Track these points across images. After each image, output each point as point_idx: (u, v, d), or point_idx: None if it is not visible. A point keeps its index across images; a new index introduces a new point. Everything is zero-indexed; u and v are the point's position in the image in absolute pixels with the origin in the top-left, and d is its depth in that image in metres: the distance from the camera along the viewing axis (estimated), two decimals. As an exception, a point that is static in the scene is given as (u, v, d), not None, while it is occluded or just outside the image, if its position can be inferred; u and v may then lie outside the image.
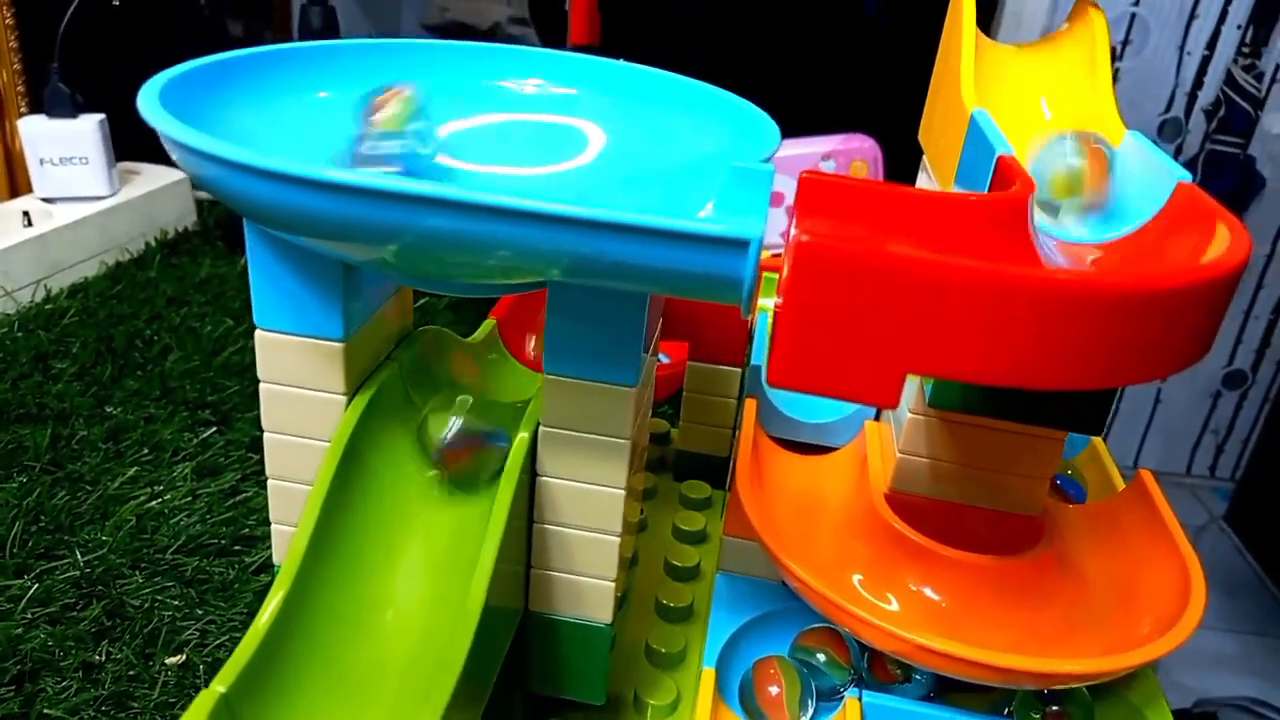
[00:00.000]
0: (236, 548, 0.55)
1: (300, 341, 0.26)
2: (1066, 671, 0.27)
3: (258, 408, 0.68)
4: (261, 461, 0.61)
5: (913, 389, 0.33)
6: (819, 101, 0.91)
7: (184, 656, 0.48)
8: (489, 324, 0.38)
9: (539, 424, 0.27)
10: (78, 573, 0.51)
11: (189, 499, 0.57)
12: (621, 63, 0.30)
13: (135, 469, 0.59)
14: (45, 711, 0.43)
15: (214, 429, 0.63)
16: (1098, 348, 0.19)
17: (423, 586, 0.26)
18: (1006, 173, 0.25)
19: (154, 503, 0.57)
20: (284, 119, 0.27)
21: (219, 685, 0.21)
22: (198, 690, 0.46)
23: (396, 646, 0.25)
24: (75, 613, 0.49)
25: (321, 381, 0.27)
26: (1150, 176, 0.26)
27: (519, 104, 0.30)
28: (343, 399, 0.27)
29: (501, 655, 0.28)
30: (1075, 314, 0.18)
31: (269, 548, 0.54)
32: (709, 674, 0.32)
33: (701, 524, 0.43)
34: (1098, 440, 0.42)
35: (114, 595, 0.50)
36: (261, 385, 0.27)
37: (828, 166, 0.88)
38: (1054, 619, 0.31)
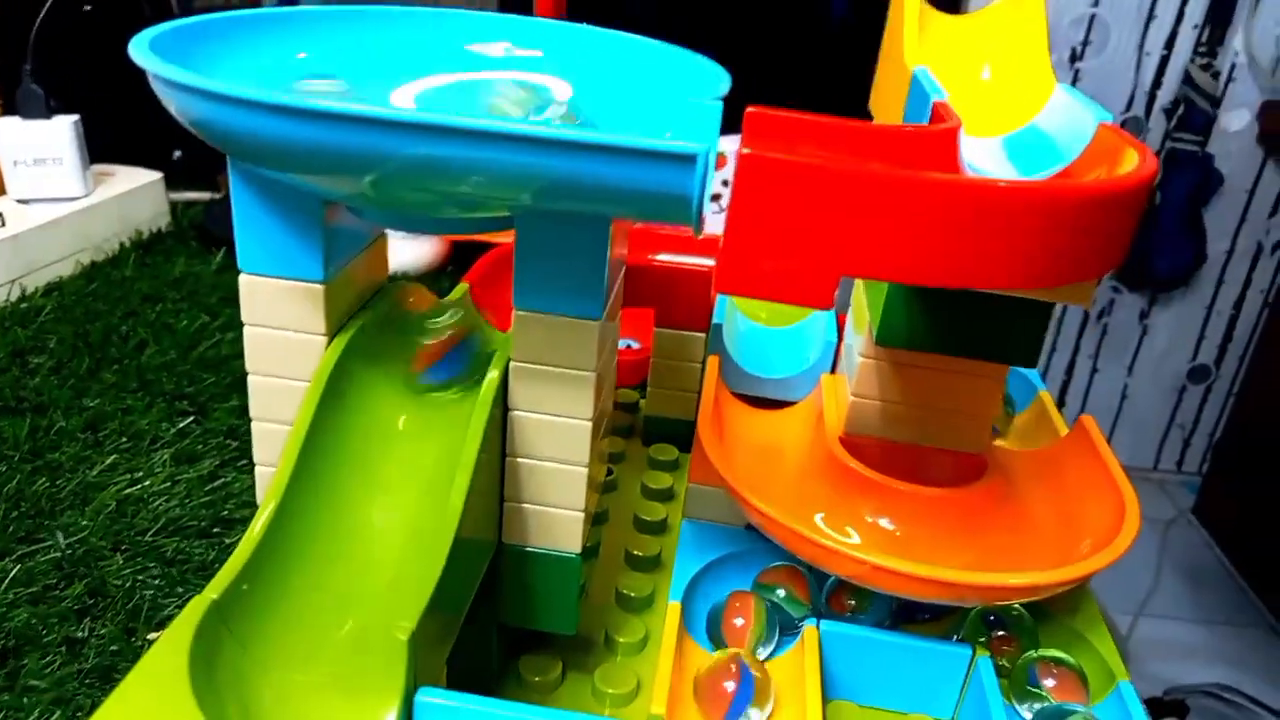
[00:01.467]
0: (216, 529, 0.56)
1: (283, 284, 0.28)
2: (1013, 585, 0.29)
3: (234, 398, 0.69)
4: (240, 448, 0.62)
5: (866, 332, 0.35)
6: (763, 96, 0.93)
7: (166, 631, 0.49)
8: (462, 287, 0.40)
9: (509, 360, 0.29)
10: (59, 554, 0.52)
11: (168, 484, 0.58)
12: (583, 26, 0.32)
13: (114, 457, 0.60)
14: (30, 683, 0.44)
15: (191, 419, 0.64)
16: (1006, 249, 0.21)
17: (400, 518, 0.28)
18: (941, 114, 0.27)
19: (133, 488, 0.57)
20: (264, 77, 0.29)
21: (210, 593, 0.23)
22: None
23: (375, 572, 0.26)
24: (57, 592, 0.50)
25: (303, 322, 0.28)
26: (1076, 122, 0.28)
27: (488, 65, 0.32)
28: (323, 340, 0.29)
29: (473, 586, 0.29)
30: (988, 216, 0.20)
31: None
32: (674, 607, 0.33)
33: (669, 482, 0.44)
34: (1044, 394, 0.44)
35: (95, 575, 0.51)
36: (245, 329, 0.29)
37: (790, 160, 0.89)
38: (1000, 543, 0.33)
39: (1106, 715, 0.32)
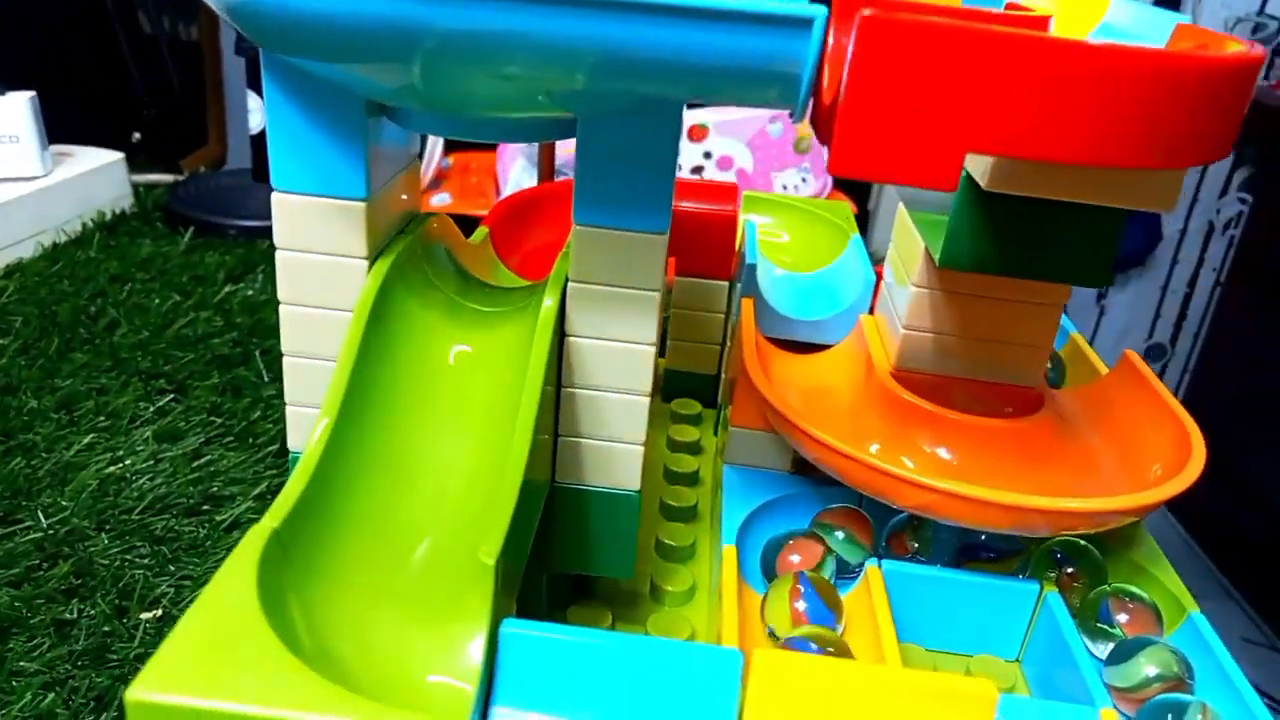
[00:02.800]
0: (205, 507, 0.53)
1: (321, 202, 0.26)
2: (1096, 509, 0.28)
3: (214, 376, 0.66)
4: (225, 425, 0.59)
5: (919, 261, 0.34)
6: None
7: (160, 611, 0.46)
8: (482, 231, 0.38)
9: (566, 282, 0.27)
10: (40, 535, 0.49)
11: (151, 462, 0.56)
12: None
13: (91, 436, 0.57)
14: (20, 665, 0.41)
15: (170, 397, 0.62)
16: (1154, 122, 0.19)
17: (460, 452, 0.26)
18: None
19: (114, 467, 0.55)
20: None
21: (270, 521, 0.21)
22: (179, 640, 0.45)
23: (440, 504, 0.24)
24: (41, 573, 0.47)
25: (342, 245, 0.26)
26: (1149, 22, 0.27)
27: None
28: (363, 265, 0.27)
29: (533, 531, 0.27)
30: (1137, 86, 0.19)
31: (239, 506, 0.53)
32: (730, 550, 0.32)
33: (696, 435, 0.43)
34: (1076, 335, 0.43)
35: (81, 555, 0.48)
36: (278, 254, 0.27)
37: (775, 128, 0.89)
38: (1063, 473, 0.32)
39: (1181, 646, 0.30)
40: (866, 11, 0.19)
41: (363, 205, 0.26)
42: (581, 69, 0.21)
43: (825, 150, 0.22)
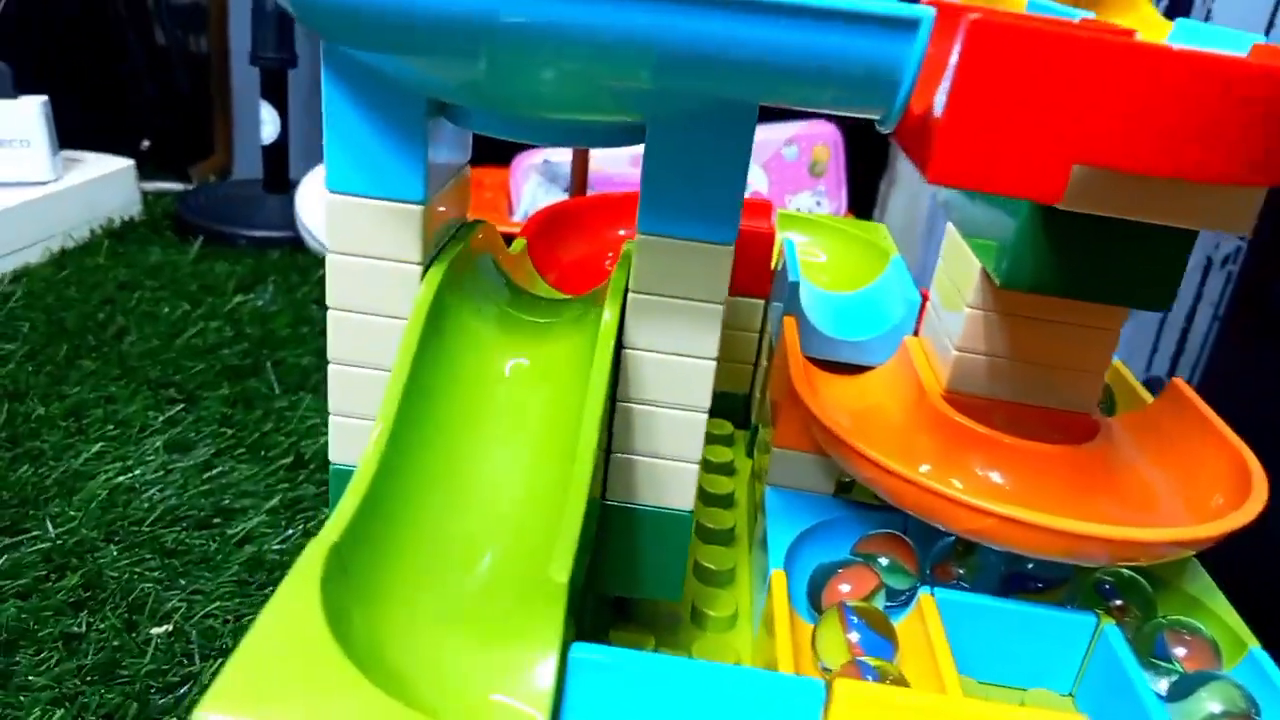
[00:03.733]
0: (216, 520, 0.52)
1: (376, 205, 0.25)
2: (1159, 540, 0.27)
3: (224, 387, 0.65)
4: (236, 437, 0.58)
5: (973, 282, 0.33)
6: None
7: (171, 626, 0.45)
8: (520, 243, 0.37)
9: (626, 293, 0.26)
10: (48, 545, 0.48)
11: (161, 473, 0.54)
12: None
13: (100, 445, 0.56)
14: (29, 679, 0.40)
15: (180, 407, 0.60)
16: (1266, 137, 0.19)
17: (515, 469, 0.25)
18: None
19: (123, 477, 0.53)
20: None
21: (330, 534, 0.20)
22: (191, 658, 0.44)
23: (494, 527, 0.23)
24: (49, 584, 0.45)
25: (396, 249, 0.25)
26: (1224, 42, 0.27)
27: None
28: (417, 270, 0.26)
29: (589, 551, 0.26)
30: (1255, 100, 0.18)
31: (251, 519, 0.52)
32: (779, 575, 0.31)
33: (729, 456, 0.42)
34: (1119, 363, 0.42)
35: (90, 567, 0.47)
36: (329, 257, 0.26)
37: (790, 151, 0.89)
38: (1120, 502, 0.31)
39: (1243, 682, 0.30)
40: (974, 15, 0.18)
41: (419, 209, 0.25)
42: (660, 65, 0.20)
43: (909, 159, 0.21)
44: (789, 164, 0.89)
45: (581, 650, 0.20)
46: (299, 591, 0.18)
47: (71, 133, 0.82)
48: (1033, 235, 0.29)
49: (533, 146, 0.86)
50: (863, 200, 0.95)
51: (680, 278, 0.25)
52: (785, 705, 0.19)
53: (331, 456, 0.28)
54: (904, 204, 1.31)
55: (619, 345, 0.27)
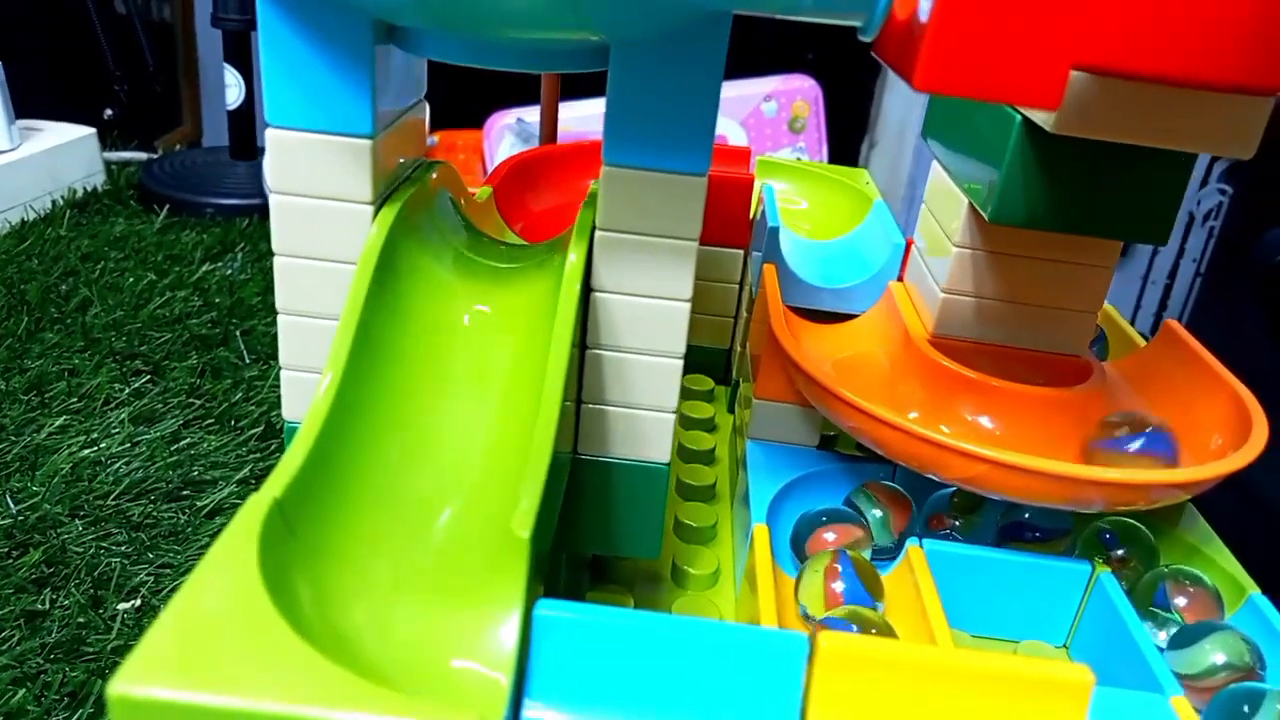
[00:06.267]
0: (185, 492, 0.50)
1: (321, 139, 0.23)
2: (1159, 482, 0.26)
3: (192, 357, 0.63)
4: (205, 408, 0.56)
5: (961, 221, 0.31)
6: (759, 43, 0.90)
7: (139, 600, 0.44)
8: (486, 190, 0.35)
9: (593, 232, 0.24)
10: (9, 521, 0.46)
11: (127, 446, 0.53)
12: None
13: (64, 418, 0.54)
14: (-13, 659, 0.39)
15: (147, 378, 0.59)
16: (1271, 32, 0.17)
17: (476, 422, 0.23)
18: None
19: (88, 451, 0.52)
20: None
21: (271, 490, 0.18)
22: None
23: (454, 481, 0.22)
24: (10, 561, 0.44)
25: (345, 188, 0.24)
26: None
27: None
28: (367, 210, 0.24)
29: (558, 509, 0.25)
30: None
31: (221, 490, 0.50)
32: (762, 529, 0.29)
33: (710, 412, 0.40)
34: (1109, 306, 0.41)
35: (53, 543, 0.45)
36: (272, 200, 0.24)
37: (769, 107, 0.87)
38: (1119, 447, 0.30)
39: (1243, 629, 0.28)
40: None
41: (368, 143, 0.23)
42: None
43: (896, 70, 0.19)
44: (768, 120, 0.87)
45: (547, 607, 0.18)
46: (233, 550, 0.16)
47: (32, 104, 0.79)
48: (1024, 167, 0.27)
49: (504, 106, 0.84)
50: (843, 158, 0.93)
51: (650, 213, 0.24)
52: (767, 660, 0.18)
53: (285, 414, 0.26)
54: (886, 164, 1.29)
55: (587, 289, 0.25)
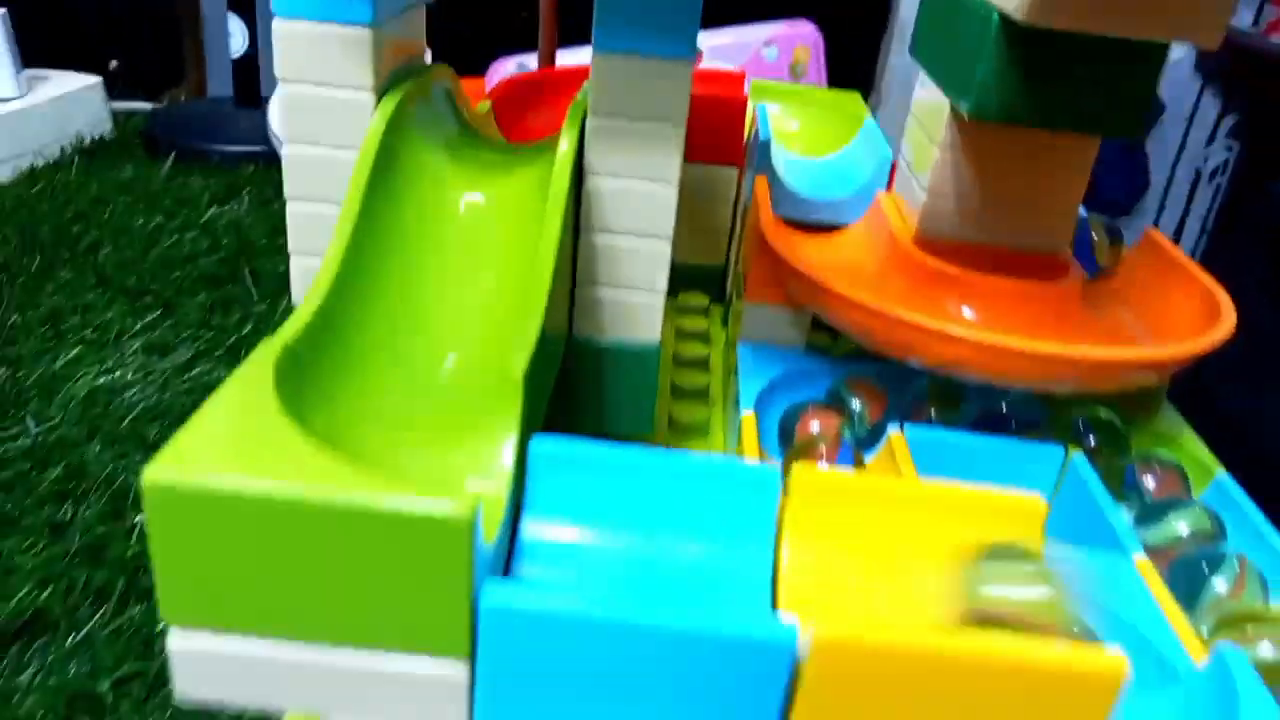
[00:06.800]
0: (200, 417, 0.52)
1: (324, 29, 0.24)
2: (1126, 359, 0.27)
3: (202, 294, 0.65)
4: (215, 339, 0.58)
5: (943, 120, 0.32)
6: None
7: (156, 515, 0.45)
8: (486, 103, 0.36)
9: (584, 118, 0.26)
10: (29, 442, 0.48)
11: (141, 374, 0.54)
12: None
13: (79, 349, 0.56)
14: (15, 561, 0.41)
15: (158, 313, 0.60)
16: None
17: (474, 297, 0.24)
18: None
19: (103, 379, 0.53)
20: None
21: (284, 336, 0.20)
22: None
23: (454, 341, 0.23)
24: (32, 476, 0.46)
25: (347, 75, 0.25)
26: None
27: None
28: (369, 98, 0.25)
29: (550, 385, 0.26)
30: None
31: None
32: (749, 417, 0.31)
33: (705, 325, 0.42)
34: (1095, 218, 0.42)
35: (74, 461, 0.47)
36: (280, 88, 0.25)
37: (770, 52, 0.87)
38: (1094, 334, 0.31)
39: (1211, 505, 0.30)
40: None
41: (368, 32, 0.24)
42: None
43: None
44: (769, 65, 0.87)
45: (541, 442, 0.20)
46: (250, 377, 0.18)
47: (37, 54, 0.80)
48: (1000, 62, 0.28)
49: (508, 53, 0.85)
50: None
51: (639, 97, 0.25)
52: (743, 491, 0.20)
53: (294, 299, 0.28)
54: (893, 121, 1.30)
55: (580, 178, 0.26)
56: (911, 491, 0.20)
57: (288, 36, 0.25)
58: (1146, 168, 1.91)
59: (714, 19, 0.85)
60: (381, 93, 0.26)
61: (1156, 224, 1.90)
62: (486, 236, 0.26)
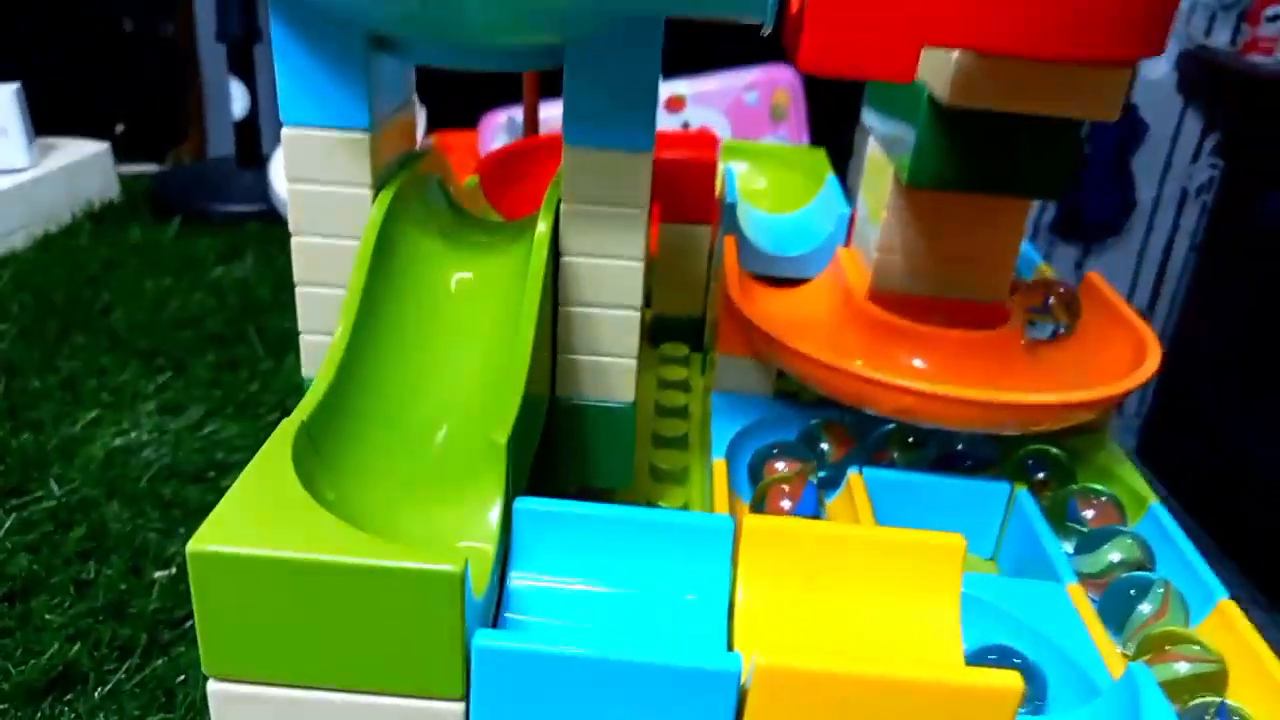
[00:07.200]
0: (211, 474, 0.55)
1: (328, 135, 0.28)
2: (1056, 403, 0.30)
3: (212, 353, 0.68)
4: (225, 397, 0.61)
5: (888, 188, 0.36)
6: (737, 33, 0.93)
7: (174, 569, 0.48)
8: (473, 178, 0.39)
9: (558, 205, 0.29)
10: (54, 504, 0.50)
11: (156, 434, 0.57)
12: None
13: (96, 411, 0.58)
14: (45, 619, 0.43)
15: (170, 374, 0.63)
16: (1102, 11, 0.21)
17: (464, 370, 0.27)
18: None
19: (120, 440, 0.56)
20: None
21: (299, 415, 0.23)
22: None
23: (447, 412, 0.26)
24: (57, 537, 0.48)
25: (348, 175, 0.28)
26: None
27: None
28: (369, 194, 0.28)
29: (535, 442, 0.29)
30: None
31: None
32: (720, 463, 0.34)
33: (684, 374, 0.44)
34: (1044, 265, 0.45)
35: (95, 520, 0.49)
36: (289, 187, 0.28)
37: (751, 97, 0.91)
38: (1033, 377, 0.34)
39: (1144, 535, 0.33)
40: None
41: (367, 136, 0.28)
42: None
43: (794, 57, 0.24)
44: (750, 109, 0.91)
45: (524, 502, 0.23)
46: (271, 460, 0.21)
47: (44, 122, 0.84)
48: (932, 135, 0.31)
49: (497, 106, 0.88)
50: (836, 147, 0.97)
51: (605, 186, 0.28)
52: (700, 539, 0.22)
53: (305, 373, 0.31)
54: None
55: (557, 255, 0.29)
56: (847, 534, 0.22)
57: (295, 141, 0.28)
58: (1133, 188, 1.95)
59: (697, 65, 0.89)
60: (379, 185, 0.29)
61: (1145, 243, 1.93)
62: (475, 312, 0.29)
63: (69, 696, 0.40)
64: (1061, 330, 0.38)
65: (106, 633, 0.43)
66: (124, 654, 0.42)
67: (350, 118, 0.27)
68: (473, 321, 0.28)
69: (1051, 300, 0.38)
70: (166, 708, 0.40)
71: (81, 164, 0.83)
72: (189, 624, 0.44)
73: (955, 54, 0.28)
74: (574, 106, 0.27)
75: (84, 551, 0.48)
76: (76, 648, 0.42)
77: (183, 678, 0.41)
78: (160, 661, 0.42)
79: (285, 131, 0.28)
